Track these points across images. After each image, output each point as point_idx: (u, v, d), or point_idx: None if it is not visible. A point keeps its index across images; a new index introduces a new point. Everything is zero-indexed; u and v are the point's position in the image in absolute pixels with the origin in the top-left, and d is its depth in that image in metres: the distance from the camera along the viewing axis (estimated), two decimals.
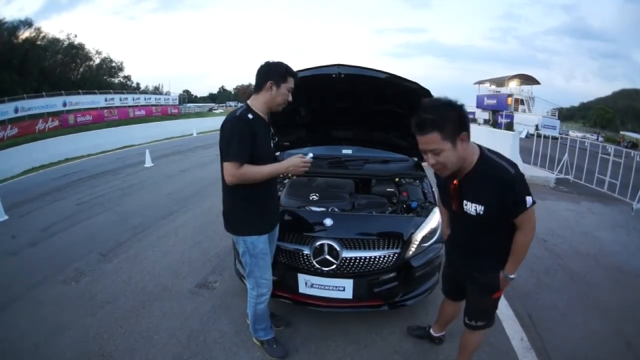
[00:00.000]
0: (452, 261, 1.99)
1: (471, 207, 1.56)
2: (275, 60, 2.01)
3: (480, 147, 1.56)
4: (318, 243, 2.28)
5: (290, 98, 2.01)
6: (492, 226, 1.62)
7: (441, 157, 1.44)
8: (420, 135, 1.44)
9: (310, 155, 2.03)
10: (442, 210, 2.04)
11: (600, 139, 29.98)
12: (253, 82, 2.03)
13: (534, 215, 1.57)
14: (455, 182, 1.60)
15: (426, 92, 2.57)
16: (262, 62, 2.00)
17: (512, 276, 1.67)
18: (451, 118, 1.41)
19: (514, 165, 1.53)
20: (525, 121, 28.03)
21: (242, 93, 61.24)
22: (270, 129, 2.10)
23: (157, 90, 48.43)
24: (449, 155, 1.44)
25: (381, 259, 2.30)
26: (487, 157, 1.53)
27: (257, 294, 2.15)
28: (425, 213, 2.54)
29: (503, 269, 1.69)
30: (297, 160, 1.98)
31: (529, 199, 1.50)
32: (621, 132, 38.74)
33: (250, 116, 1.93)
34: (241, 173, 1.88)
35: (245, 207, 2.04)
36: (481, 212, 1.54)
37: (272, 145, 2.15)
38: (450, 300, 2.16)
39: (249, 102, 2.02)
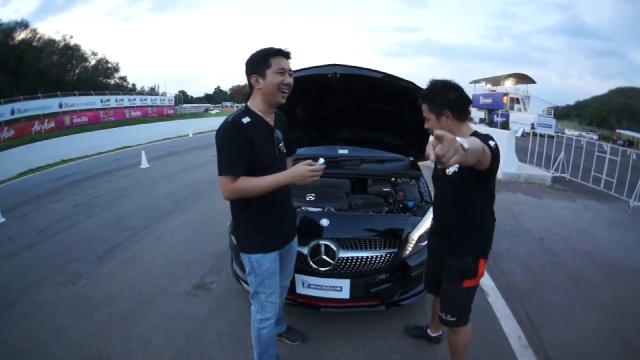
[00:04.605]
0: (431, 248, 2.04)
1: (451, 168, 1.72)
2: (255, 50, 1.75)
3: (476, 130, 1.76)
4: (314, 243, 2.28)
5: (287, 80, 1.71)
6: (467, 191, 1.71)
7: (428, 124, 1.77)
8: (420, 104, 1.79)
9: (322, 160, 1.70)
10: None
11: (597, 137, 30.06)
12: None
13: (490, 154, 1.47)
14: None
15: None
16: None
17: (463, 144, 1.28)
18: (440, 97, 1.70)
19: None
20: (521, 120, 28.16)
21: (238, 93, 61.30)
22: (274, 131, 1.81)
23: (153, 91, 48.21)
24: (433, 124, 1.73)
25: (378, 258, 2.30)
26: (477, 133, 1.70)
27: (261, 318, 1.91)
28: (421, 212, 2.55)
29: (478, 252, 1.76)
30: (304, 169, 1.65)
31: (491, 143, 1.53)
32: (617, 130, 38.89)
33: (245, 120, 1.69)
34: (236, 188, 1.65)
35: (246, 221, 1.83)
36: (456, 169, 1.70)
37: (278, 149, 1.82)
38: (436, 297, 2.17)
39: (248, 103, 1.80)
